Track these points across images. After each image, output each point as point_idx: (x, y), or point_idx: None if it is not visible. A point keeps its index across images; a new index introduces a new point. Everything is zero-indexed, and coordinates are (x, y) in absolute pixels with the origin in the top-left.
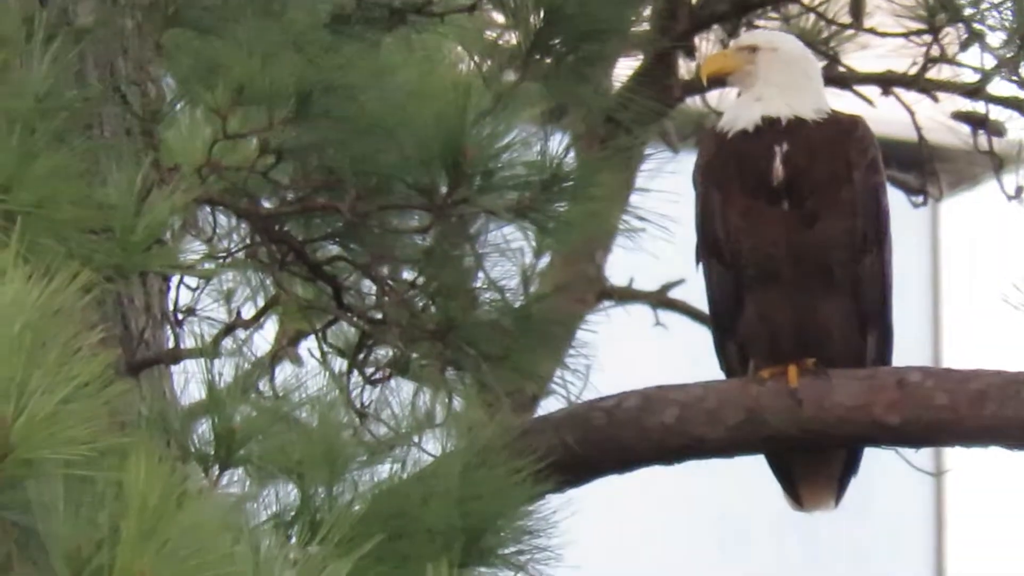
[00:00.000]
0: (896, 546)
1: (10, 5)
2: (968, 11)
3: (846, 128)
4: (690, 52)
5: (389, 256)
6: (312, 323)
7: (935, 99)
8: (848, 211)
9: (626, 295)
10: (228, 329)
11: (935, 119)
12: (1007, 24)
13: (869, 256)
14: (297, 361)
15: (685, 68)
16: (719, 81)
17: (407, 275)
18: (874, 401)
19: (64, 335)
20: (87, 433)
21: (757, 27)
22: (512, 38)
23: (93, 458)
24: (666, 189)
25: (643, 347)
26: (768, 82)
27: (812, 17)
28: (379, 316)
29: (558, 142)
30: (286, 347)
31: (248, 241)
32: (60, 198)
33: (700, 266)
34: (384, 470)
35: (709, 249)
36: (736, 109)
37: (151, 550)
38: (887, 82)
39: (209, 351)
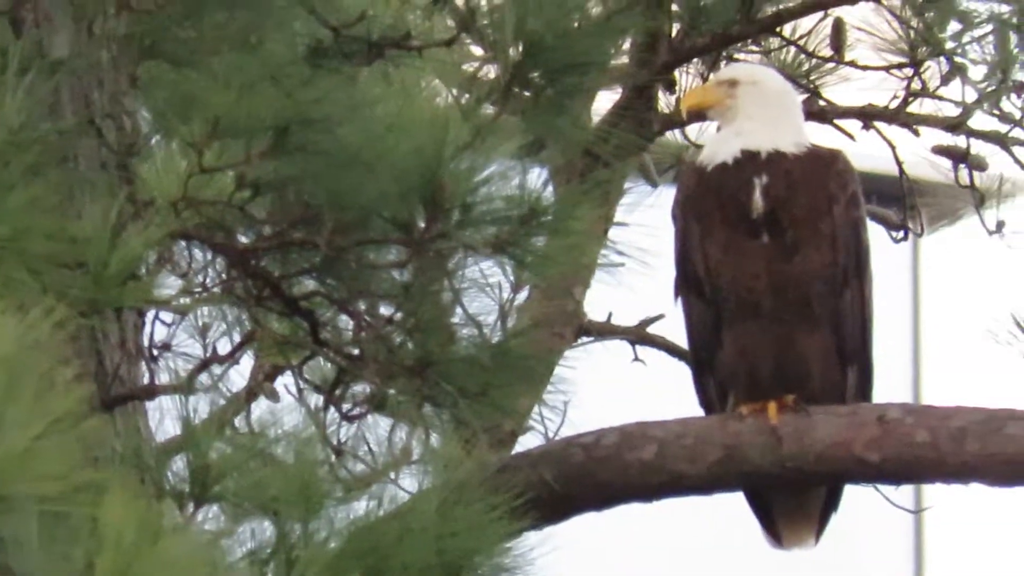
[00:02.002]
0: None
1: None
2: (950, 45)
3: (826, 161)
4: (670, 86)
5: (366, 291)
6: (289, 359)
7: (916, 133)
8: (828, 244)
9: (605, 330)
10: (204, 365)
11: (916, 153)
12: (988, 58)
13: (849, 290)
14: (274, 396)
15: (665, 102)
16: (699, 115)
17: (384, 310)
18: (854, 438)
19: (39, 370)
20: (62, 469)
21: (738, 60)
22: (491, 71)
23: (68, 494)
24: (645, 223)
25: (622, 383)
26: (748, 116)
27: (793, 50)
28: (356, 352)
29: (537, 176)
30: (263, 383)
31: (224, 276)
32: (35, 232)
33: (679, 301)
34: (360, 507)
35: (688, 283)
36: (716, 143)
37: None
38: (868, 116)
39: (184, 387)
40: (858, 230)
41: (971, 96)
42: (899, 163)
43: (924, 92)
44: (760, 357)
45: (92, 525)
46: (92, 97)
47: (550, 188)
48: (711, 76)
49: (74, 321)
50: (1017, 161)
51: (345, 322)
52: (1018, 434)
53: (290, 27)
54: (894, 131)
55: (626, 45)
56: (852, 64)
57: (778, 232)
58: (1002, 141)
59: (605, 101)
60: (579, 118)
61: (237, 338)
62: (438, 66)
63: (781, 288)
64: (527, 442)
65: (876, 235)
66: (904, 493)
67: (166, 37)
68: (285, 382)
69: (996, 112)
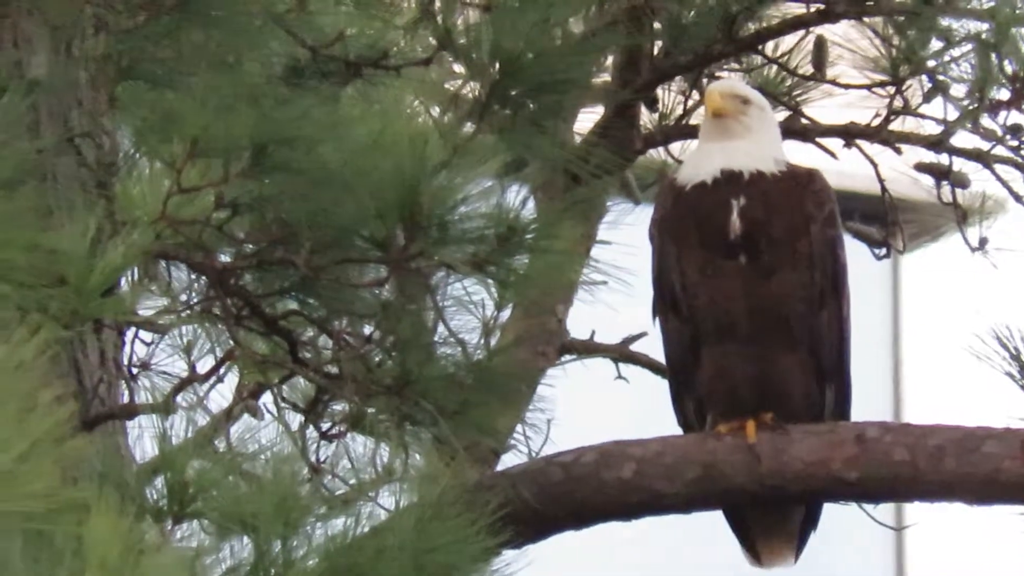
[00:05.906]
0: None
1: None
2: (931, 63)
3: (803, 181)
4: (651, 104)
5: (345, 310)
6: (268, 377)
7: (898, 151)
8: (805, 264)
9: (587, 349)
10: (183, 384)
11: (898, 171)
12: (969, 76)
13: (827, 309)
14: (257, 415)
15: (648, 119)
16: (683, 131)
17: (364, 329)
18: (833, 456)
19: (22, 391)
20: (45, 488)
21: (718, 79)
22: (472, 89)
23: (51, 514)
24: (627, 241)
25: (604, 401)
26: (749, 137)
27: (775, 68)
28: (335, 371)
29: (516, 194)
30: (245, 401)
31: (205, 295)
32: (14, 244)
33: (656, 320)
34: (339, 524)
35: (666, 303)
36: (695, 161)
37: None
38: (850, 134)
39: (162, 407)
40: (835, 249)
41: (953, 114)
42: (881, 180)
43: (906, 110)
44: (738, 376)
45: (76, 544)
46: (70, 116)
47: (530, 206)
48: (714, 85)
49: (56, 339)
50: (999, 178)
51: (324, 341)
52: (995, 452)
53: (267, 47)
54: (876, 149)
55: (607, 63)
56: (834, 82)
57: (755, 253)
58: (984, 158)
59: (588, 120)
60: (560, 136)
61: (220, 356)
62: (417, 85)
63: (758, 309)
64: (509, 461)
65: (858, 253)
66: (886, 509)
67: (144, 57)
68: (264, 400)
69: (978, 130)
